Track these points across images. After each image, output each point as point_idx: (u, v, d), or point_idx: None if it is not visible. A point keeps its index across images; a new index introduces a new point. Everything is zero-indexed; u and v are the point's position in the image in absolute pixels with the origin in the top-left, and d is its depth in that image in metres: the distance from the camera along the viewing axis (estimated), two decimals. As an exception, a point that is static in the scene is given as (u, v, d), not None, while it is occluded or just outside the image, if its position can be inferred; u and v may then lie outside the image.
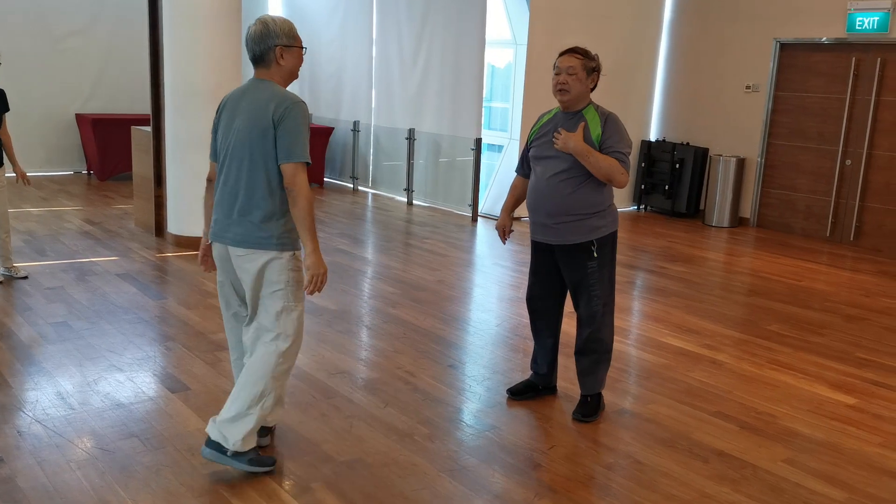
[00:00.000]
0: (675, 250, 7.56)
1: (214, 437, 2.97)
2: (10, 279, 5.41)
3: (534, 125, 3.73)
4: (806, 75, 8.48)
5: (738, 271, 6.90)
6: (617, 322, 4.26)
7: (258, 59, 2.93)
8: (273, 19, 2.91)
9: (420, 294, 5.64)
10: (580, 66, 3.45)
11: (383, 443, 3.35)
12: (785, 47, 8.58)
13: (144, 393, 3.73)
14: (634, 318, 5.33)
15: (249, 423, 2.95)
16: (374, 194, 10.10)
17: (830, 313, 5.67)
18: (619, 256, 3.95)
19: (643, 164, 9.56)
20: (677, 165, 9.15)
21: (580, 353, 3.71)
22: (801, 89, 8.55)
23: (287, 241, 2.93)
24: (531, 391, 3.88)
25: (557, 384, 3.98)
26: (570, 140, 3.42)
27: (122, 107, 10.34)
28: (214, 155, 3.06)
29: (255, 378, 2.96)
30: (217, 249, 3.05)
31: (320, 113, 11.12)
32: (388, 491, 2.97)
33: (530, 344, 3.94)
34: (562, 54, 3.53)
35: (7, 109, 5.32)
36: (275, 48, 2.89)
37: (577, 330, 3.70)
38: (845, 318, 5.58)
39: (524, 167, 3.77)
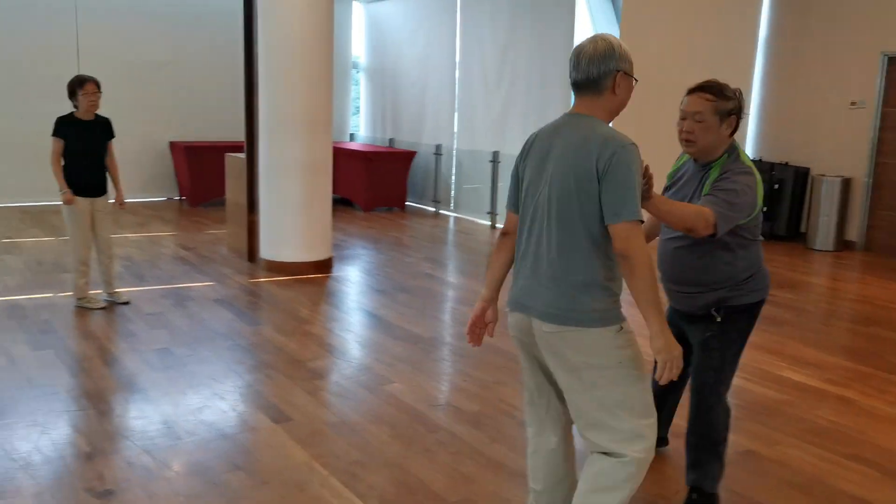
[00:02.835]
0: (779, 275, 7.17)
1: None
2: (113, 304, 5.52)
3: (675, 163, 3.09)
4: (917, 90, 8.00)
5: (849, 298, 6.47)
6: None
7: (588, 85, 2.34)
8: (616, 39, 2.36)
9: (515, 321, 5.47)
10: (710, 110, 2.74)
11: (493, 482, 3.19)
12: (893, 61, 8.11)
13: (247, 423, 3.68)
14: (745, 349, 5.00)
15: None
16: (455, 217, 10.01)
17: (962, 345, 5.22)
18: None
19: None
20: (776, 186, 8.73)
21: (688, 435, 3.05)
22: (912, 104, 8.06)
23: (613, 315, 2.32)
24: None
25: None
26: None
27: (213, 134, 10.61)
28: (514, 204, 2.50)
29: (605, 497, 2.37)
30: (515, 318, 2.47)
31: (402, 136, 11.15)
32: (504, 536, 2.80)
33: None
34: (690, 92, 2.83)
35: (112, 136, 5.46)
36: (616, 73, 2.31)
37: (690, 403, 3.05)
38: (980, 350, 5.13)
39: None
